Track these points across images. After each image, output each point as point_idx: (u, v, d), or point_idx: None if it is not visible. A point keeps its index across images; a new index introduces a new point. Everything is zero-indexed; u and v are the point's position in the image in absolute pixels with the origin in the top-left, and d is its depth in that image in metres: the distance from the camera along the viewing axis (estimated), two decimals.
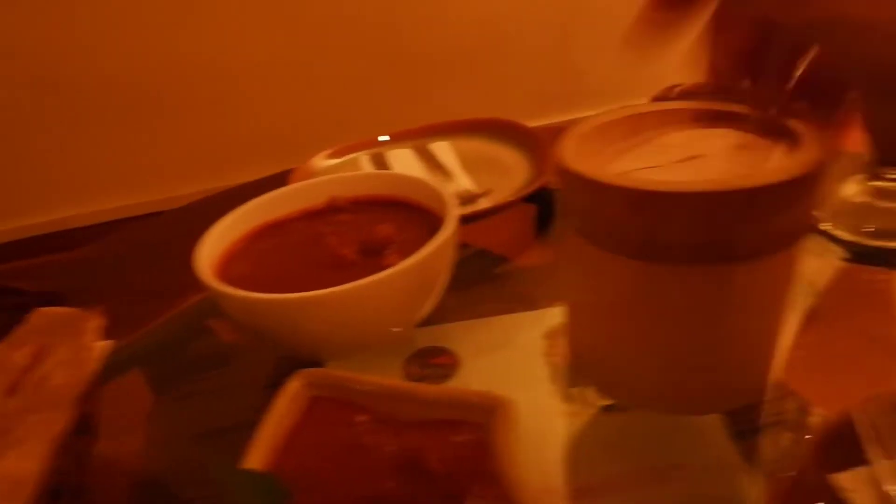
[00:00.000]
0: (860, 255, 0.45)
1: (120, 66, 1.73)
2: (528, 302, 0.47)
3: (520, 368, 0.42)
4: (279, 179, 0.60)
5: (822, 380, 0.38)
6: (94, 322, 0.30)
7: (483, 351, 0.44)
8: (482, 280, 0.51)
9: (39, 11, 1.65)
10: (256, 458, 0.26)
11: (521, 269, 0.52)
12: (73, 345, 0.29)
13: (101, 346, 0.29)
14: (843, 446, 0.26)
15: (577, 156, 0.28)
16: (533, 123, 0.70)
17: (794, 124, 0.28)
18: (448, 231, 0.37)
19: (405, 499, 0.24)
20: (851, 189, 0.48)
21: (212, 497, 0.34)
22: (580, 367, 0.35)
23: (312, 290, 0.33)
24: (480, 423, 0.27)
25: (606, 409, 0.37)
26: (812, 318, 0.41)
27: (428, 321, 0.46)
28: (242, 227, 0.42)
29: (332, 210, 0.45)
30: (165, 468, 0.39)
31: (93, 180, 1.87)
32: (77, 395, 0.26)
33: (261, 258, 0.40)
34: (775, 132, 0.29)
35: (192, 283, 0.43)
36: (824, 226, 0.47)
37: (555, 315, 0.45)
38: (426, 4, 1.83)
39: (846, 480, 0.26)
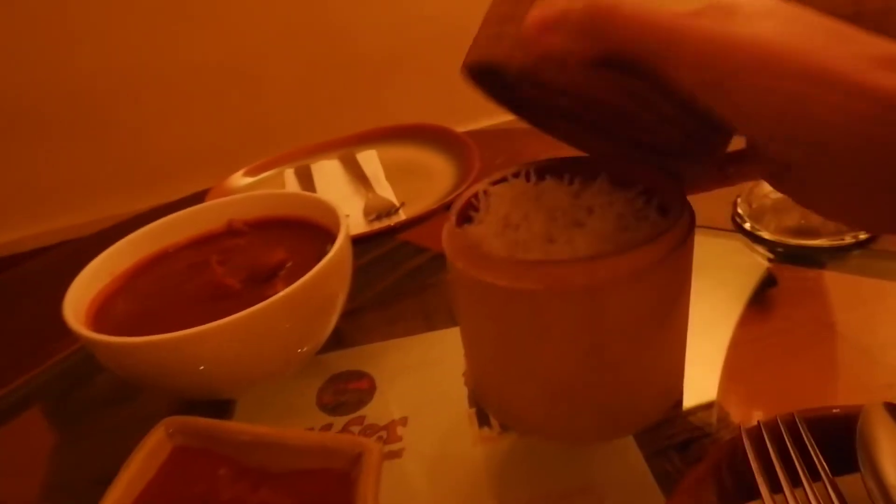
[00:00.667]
0: (785, 255, 0.44)
1: (43, 82, 1.65)
2: (452, 318, 0.45)
3: (437, 390, 0.40)
4: (201, 198, 0.58)
5: (769, 373, 0.36)
6: None
7: (401, 373, 0.42)
8: (406, 298, 0.49)
9: None
10: (116, 495, 0.23)
11: (443, 285, 0.50)
12: None
13: None
14: (735, 474, 0.24)
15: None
16: (483, 124, 0.69)
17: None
18: (335, 252, 0.34)
19: None
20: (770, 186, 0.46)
21: None
22: (487, 407, 0.33)
23: (193, 325, 0.31)
24: (346, 470, 0.25)
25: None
26: (749, 317, 0.40)
27: (347, 342, 0.44)
28: (126, 259, 0.40)
29: (230, 233, 0.42)
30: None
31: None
32: None
33: (143, 294, 0.38)
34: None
35: None
36: (748, 225, 0.45)
37: None
38: (370, 4, 1.79)
39: None
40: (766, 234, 0.44)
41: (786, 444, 0.24)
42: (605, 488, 0.32)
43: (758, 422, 0.24)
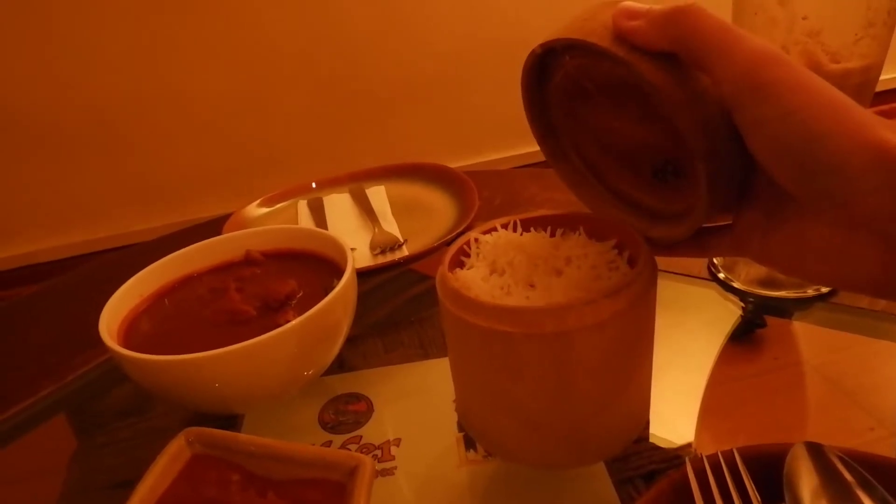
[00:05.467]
0: (755, 304, 0.47)
1: (66, 103, 1.71)
2: (444, 348, 0.49)
3: (428, 415, 0.43)
4: (220, 224, 0.62)
5: (749, 412, 0.40)
6: None
7: (396, 397, 0.45)
8: (404, 328, 0.52)
9: None
10: (138, 499, 0.27)
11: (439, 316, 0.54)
12: None
13: None
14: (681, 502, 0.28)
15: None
16: (490, 157, 0.72)
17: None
18: (341, 287, 0.38)
19: None
20: None
21: None
22: (464, 421, 0.36)
23: (211, 347, 0.35)
24: (343, 482, 0.28)
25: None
26: (729, 358, 0.43)
27: (347, 367, 0.48)
28: (154, 282, 0.44)
29: (247, 263, 0.46)
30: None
31: (34, 217, 1.83)
32: None
33: (167, 315, 0.42)
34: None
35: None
36: (721, 275, 0.49)
37: None
38: (381, 41, 1.85)
39: None
40: (737, 284, 0.48)
41: (725, 477, 0.27)
42: None
43: (701, 455, 0.28)
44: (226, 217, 0.63)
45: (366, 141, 1.81)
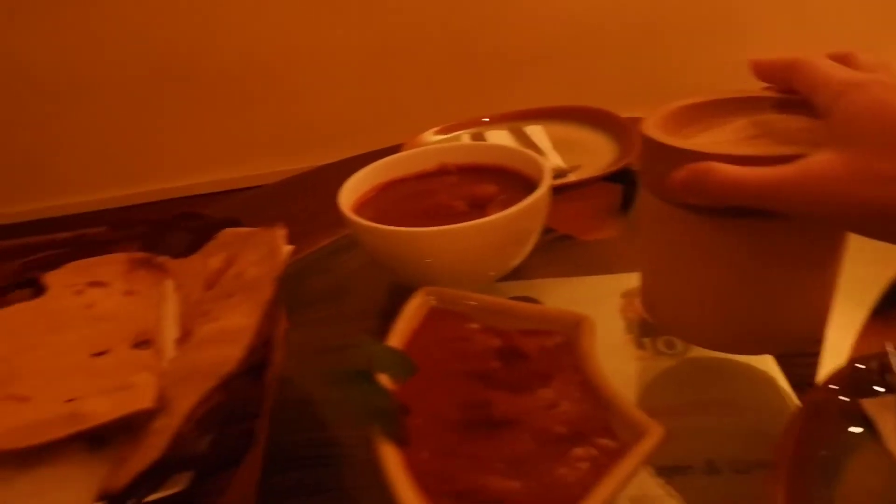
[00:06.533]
0: None
1: (236, 53, 1.90)
2: (606, 268, 0.53)
3: (599, 321, 0.48)
4: (393, 152, 0.69)
5: None
6: (280, 231, 0.38)
7: (566, 305, 0.50)
8: (567, 249, 0.57)
9: (166, 9, 1.83)
10: (393, 341, 0.34)
11: (601, 241, 0.58)
12: (263, 249, 0.38)
13: (287, 249, 0.38)
14: (870, 376, 0.31)
15: (658, 128, 0.34)
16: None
17: None
18: (543, 190, 0.44)
19: (506, 375, 0.31)
20: None
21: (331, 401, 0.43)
22: (653, 314, 0.41)
23: None
24: (566, 333, 0.34)
25: (671, 355, 0.43)
26: None
27: (517, 276, 0.53)
28: (369, 182, 0.51)
29: (441, 173, 0.52)
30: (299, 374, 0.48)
31: (201, 155, 2.05)
32: (275, 278, 0.34)
33: (385, 208, 0.49)
34: None
35: (318, 229, 0.51)
36: None
37: (630, 280, 0.50)
38: (514, 3, 1.89)
39: (872, 405, 0.31)
40: None
41: None
42: (746, 402, 0.39)
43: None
44: (400, 145, 0.69)
45: (491, 99, 1.87)
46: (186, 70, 1.91)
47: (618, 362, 0.43)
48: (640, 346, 0.45)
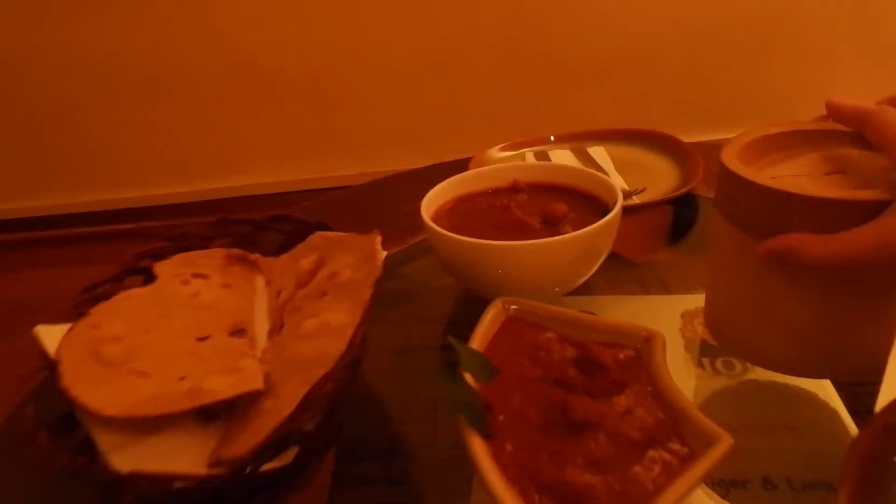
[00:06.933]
0: None
1: (313, 61, 2.00)
2: (664, 289, 0.55)
3: None
4: (460, 165, 0.73)
5: None
6: (377, 237, 0.42)
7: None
8: (624, 268, 0.59)
9: (240, 15, 1.94)
10: (475, 344, 0.37)
11: (658, 263, 0.60)
12: (358, 254, 0.41)
13: (383, 254, 0.41)
14: None
15: (736, 157, 0.36)
16: None
17: None
18: (616, 211, 0.46)
19: (583, 382, 0.34)
20: None
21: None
22: (716, 333, 0.43)
23: None
24: (637, 347, 0.36)
25: (730, 375, 0.45)
26: None
27: (578, 292, 0.56)
28: (445, 195, 0.54)
29: (513, 190, 0.56)
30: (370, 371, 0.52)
31: (274, 154, 2.16)
32: (374, 282, 0.38)
33: (460, 220, 0.52)
34: None
35: (391, 236, 0.55)
36: None
37: (689, 300, 0.52)
38: (577, 17, 1.93)
39: None
40: None
41: None
42: (804, 424, 0.41)
43: None
44: (468, 160, 0.73)
45: (548, 113, 1.91)
46: (267, 75, 2.03)
47: (677, 380, 0.45)
48: (700, 365, 0.46)
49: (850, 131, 0.38)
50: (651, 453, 0.30)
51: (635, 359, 0.35)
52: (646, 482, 0.28)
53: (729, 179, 0.36)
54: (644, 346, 0.36)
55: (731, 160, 0.36)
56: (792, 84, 1.90)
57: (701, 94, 1.93)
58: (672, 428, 0.31)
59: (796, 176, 0.36)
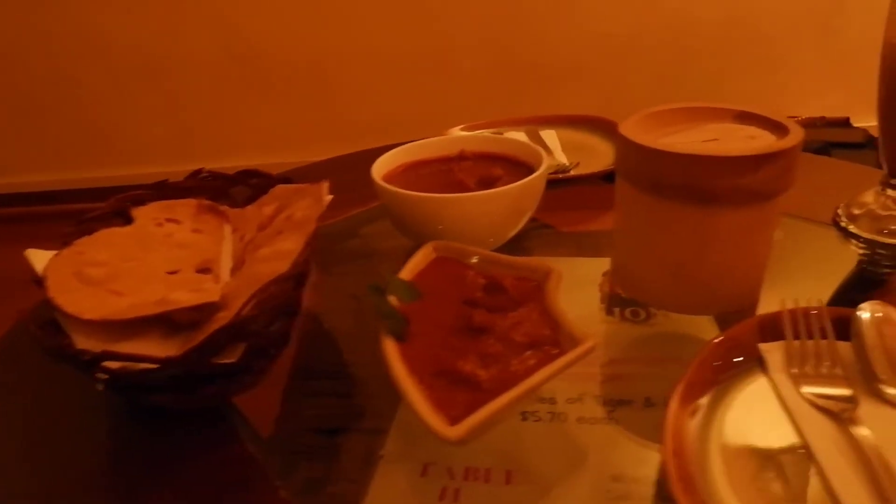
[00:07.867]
0: (872, 250, 0.56)
1: (302, 54, 2.08)
2: (597, 254, 0.62)
3: (581, 293, 0.57)
4: None
5: None
6: (325, 184, 0.49)
7: None
8: (564, 237, 0.66)
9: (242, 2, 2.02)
10: (404, 274, 0.44)
11: (597, 232, 0.67)
12: (310, 198, 0.48)
13: (328, 198, 0.48)
14: (773, 330, 0.40)
15: (634, 129, 0.43)
16: None
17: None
18: (539, 173, 0.53)
19: (486, 300, 0.41)
20: (870, 197, 0.59)
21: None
22: (621, 284, 0.50)
23: None
24: (539, 279, 0.43)
25: (635, 322, 0.52)
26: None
27: (515, 253, 0.62)
28: (398, 160, 0.61)
29: (460, 158, 0.62)
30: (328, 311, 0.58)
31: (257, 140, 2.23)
32: (318, 217, 0.45)
33: (409, 182, 0.59)
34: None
35: (354, 200, 0.60)
36: (843, 223, 0.58)
37: (608, 263, 0.59)
38: (561, 20, 2.01)
39: (765, 347, 0.39)
40: (860, 232, 0.57)
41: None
42: (689, 358, 0.48)
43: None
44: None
45: (525, 108, 1.99)
46: (266, 62, 2.11)
47: (591, 325, 0.52)
48: (610, 313, 0.53)
49: (736, 109, 0.45)
50: (529, 353, 0.36)
51: (536, 287, 0.42)
52: (519, 371, 0.35)
53: (624, 145, 0.43)
54: (543, 279, 0.43)
55: (627, 130, 0.43)
56: (759, 88, 2.00)
57: (674, 93, 2.01)
58: (551, 336, 0.38)
59: (683, 143, 0.43)
